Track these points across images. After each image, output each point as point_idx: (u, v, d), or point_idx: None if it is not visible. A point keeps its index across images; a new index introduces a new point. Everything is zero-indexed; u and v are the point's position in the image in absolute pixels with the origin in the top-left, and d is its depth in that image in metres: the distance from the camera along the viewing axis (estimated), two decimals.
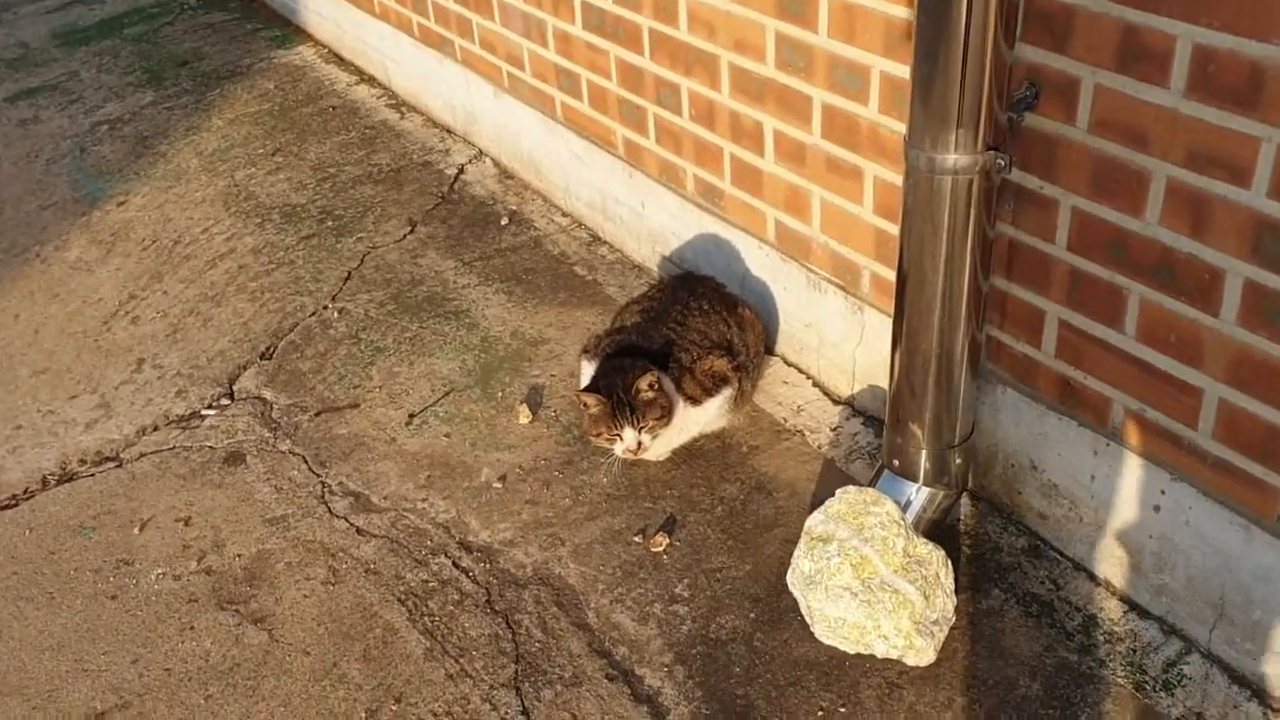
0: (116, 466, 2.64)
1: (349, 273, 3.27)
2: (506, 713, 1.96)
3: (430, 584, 2.22)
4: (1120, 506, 1.98)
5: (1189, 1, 1.56)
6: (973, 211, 1.82)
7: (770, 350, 2.73)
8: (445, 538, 2.33)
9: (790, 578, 2.05)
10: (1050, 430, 2.06)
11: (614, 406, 2.23)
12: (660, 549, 2.24)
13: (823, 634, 2.00)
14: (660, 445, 2.35)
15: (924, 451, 2.06)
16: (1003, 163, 1.76)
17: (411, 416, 2.67)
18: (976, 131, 1.74)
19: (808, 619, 2.02)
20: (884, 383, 2.26)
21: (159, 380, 2.91)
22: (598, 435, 2.30)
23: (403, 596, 2.20)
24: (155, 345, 3.06)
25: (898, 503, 2.06)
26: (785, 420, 2.53)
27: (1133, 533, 1.97)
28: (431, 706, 1.98)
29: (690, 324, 2.41)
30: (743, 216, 2.71)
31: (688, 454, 2.45)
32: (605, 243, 3.27)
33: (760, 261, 2.69)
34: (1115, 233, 1.81)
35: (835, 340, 2.52)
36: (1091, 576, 2.08)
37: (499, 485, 2.44)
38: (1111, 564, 2.04)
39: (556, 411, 2.63)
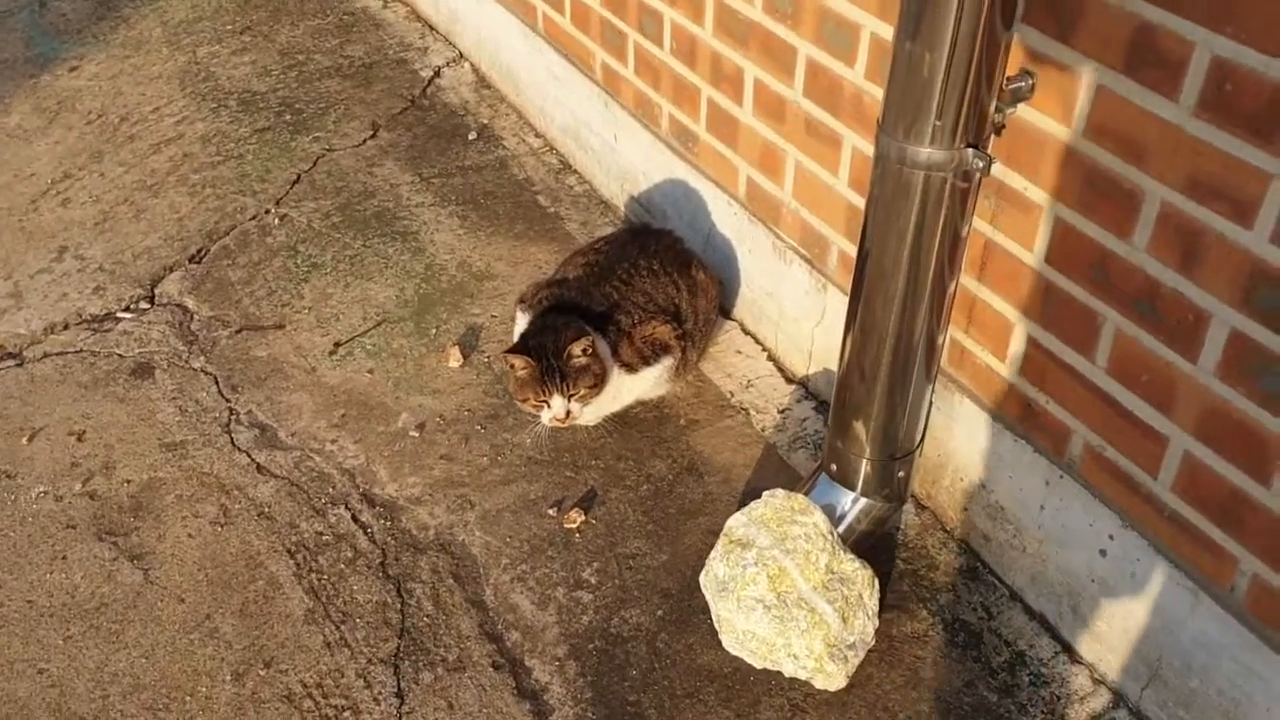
0: (17, 365, 2.47)
1: (299, 175, 3.06)
2: (380, 692, 1.82)
3: (324, 537, 2.07)
4: (1066, 542, 1.82)
5: (1216, 6, 1.34)
6: (944, 213, 1.62)
7: (728, 314, 2.54)
8: (349, 486, 2.17)
9: (703, 579, 1.89)
10: (1005, 451, 1.89)
11: (543, 371, 2.06)
12: (574, 526, 2.08)
13: (730, 644, 1.85)
14: (591, 412, 2.17)
15: (865, 460, 1.89)
16: (981, 164, 1.55)
17: (337, 345, 2.49)
18: (957, 124, 1.53)
19: (716, 626, 1.87)
20: None
21: (78, 273, 2.73)
22: (524, 400, 2.12)
23: (293, 548, 2.05)
24: (81, 233, 2.86)
25: (830, 512, 1.90)
26: (732, 395, 2.35)
27: (1075, 572, 1.82)
28: (302, 676, 1.84)
29: (636, 284, 2.22)
30: (715, 167, 2.49)
31: (620, 421, 2.28)
32: (575, 172, 3.05)
33: (728, 218, 2.49)
34: (1098, 252, 1.61)
35: (796, 315, 2.34)
36: (1027, 609, 1.93)
37: (415, 434, 2.27)
38: (1049, 600, 1.89)
39: (490, 358, 2.45)
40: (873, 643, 1.84)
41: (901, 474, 1.92)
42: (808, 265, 2.26)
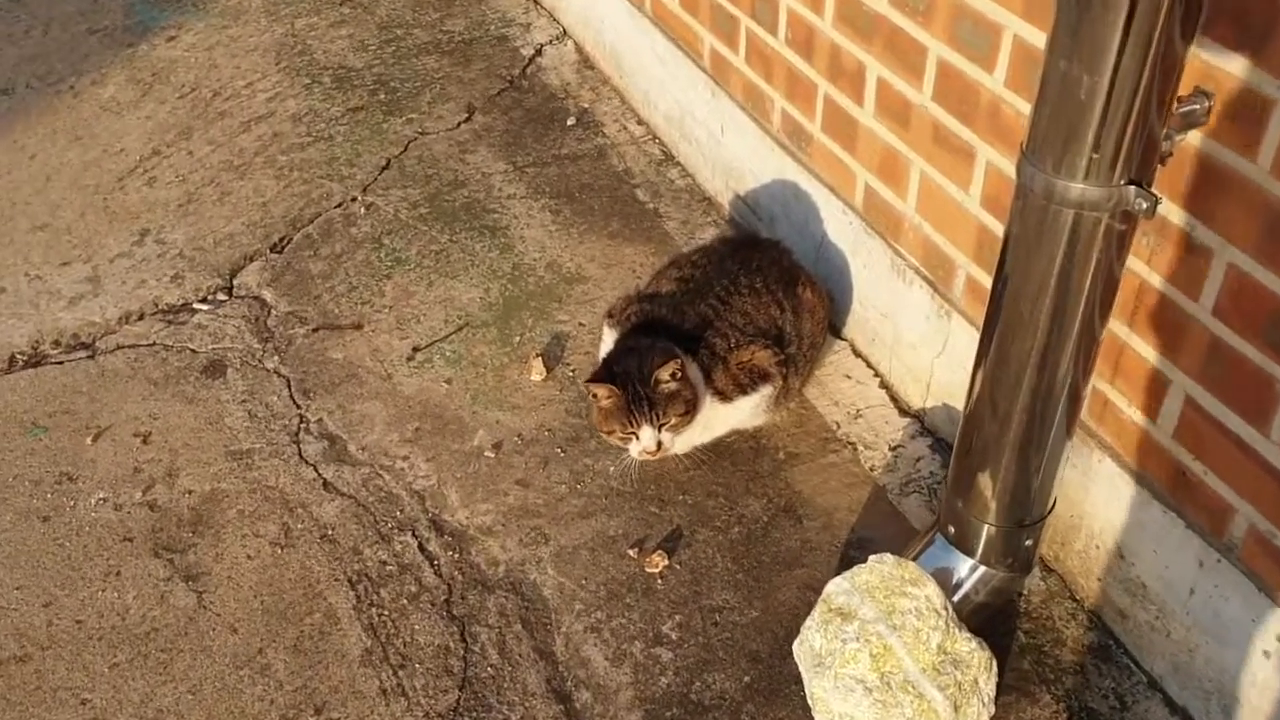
0: (88, 357, 2.37)
1: (389, 160, 2.91)
2: None
3: (389, 568, 1.92)
4: (1221, 635, 1.57)
5: None
6: (1096, 256, 1.38)
7: (838, 333, 2.32)
8: (418, 510, 2.02)
9: (797, 648, 1.70)
10: (1150, 521, 1.64)
11: (629, 400, 1.87)
12: (656, 570, 1.90)
13: None
14: (681, 442, 1.98)
15: (989, 525, 1.66)
16: (1145, 204, 1.30)
17: (415, 351, 2.34)
18: (1118, 157, 1.29)
19: (810, 703, 1.67)
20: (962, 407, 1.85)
21: (158, 259, 2.62)
22: (609, 433, 1.94)
23: (355, 578, 1.91)
24: (164, 215, 2.76)
25: (945, 580, 1.68)
26: (838, 426, 2.14)
27: (1230, 671, 1.57)
28: None
29: (735, 303, 2.01)
30: (830, 170, 2.26)
31: (712, 451, 2.08)
32: (678, 164, 2.84)
33: (842, 227, 2.26)
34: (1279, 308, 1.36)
35: (913, 341, 2.10)
36: (1168, 702, 1.68)
37: (491, 454, 2.10)
38: (1195, 695, 1.64)
39: (575, 371, 2.27)
40: None
41: (1029, 542, 1.69)
42: (929, 288, 2.03)
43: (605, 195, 2.75)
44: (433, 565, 1.93)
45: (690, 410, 1.92)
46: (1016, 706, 1.69)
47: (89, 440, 2.18)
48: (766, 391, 2.01)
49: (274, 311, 2.46)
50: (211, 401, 2.25)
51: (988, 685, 1.62)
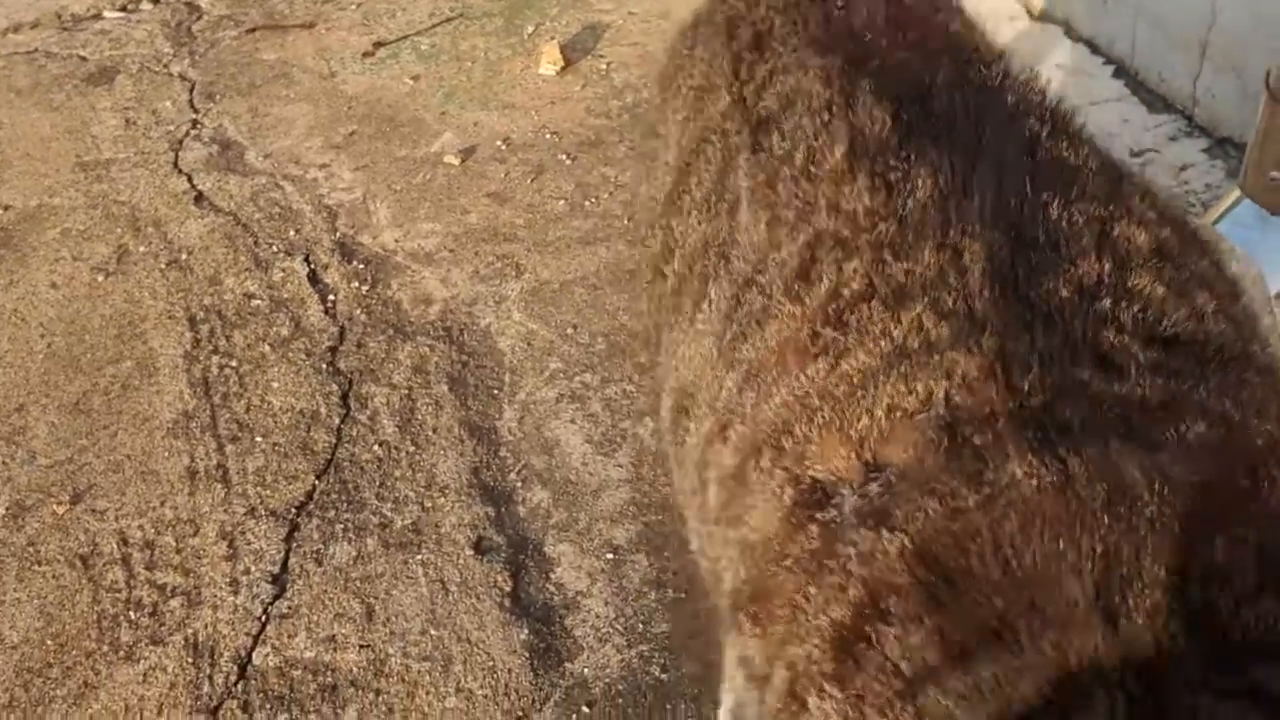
0: None
1: None
2: (247, 571, 0.90)
3: (256, 302, 1.17)
4: None
5: None
6: None
7: None
8: (322, 230, 1.26)
9: None
10: None
11: None
12: None
13: None
14: None
15: None
16: None
17: (378, 46, 1.59)
18: None
19: None
20: None
21: None
22: None
23: (200, 315, 1.17)
24: None
25: None
26: None
27: None
28: (126, 525, 0.95)
29: None
30: None
31: None
32: None
33: None
34: None
35: None
36: None
37: (454, 161, 1.33)
38: None
39: (611, 65, 1.47)
40: None
41: None
42: None
43: None
44: (324, 302, 1.16)
45: None
46: None
47: None
48: None
49: (205, 16, 1.75)
50: (81, 109, 1.55)
51: None
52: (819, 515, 0.52)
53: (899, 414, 0.52)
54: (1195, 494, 0.46)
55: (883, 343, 0.55)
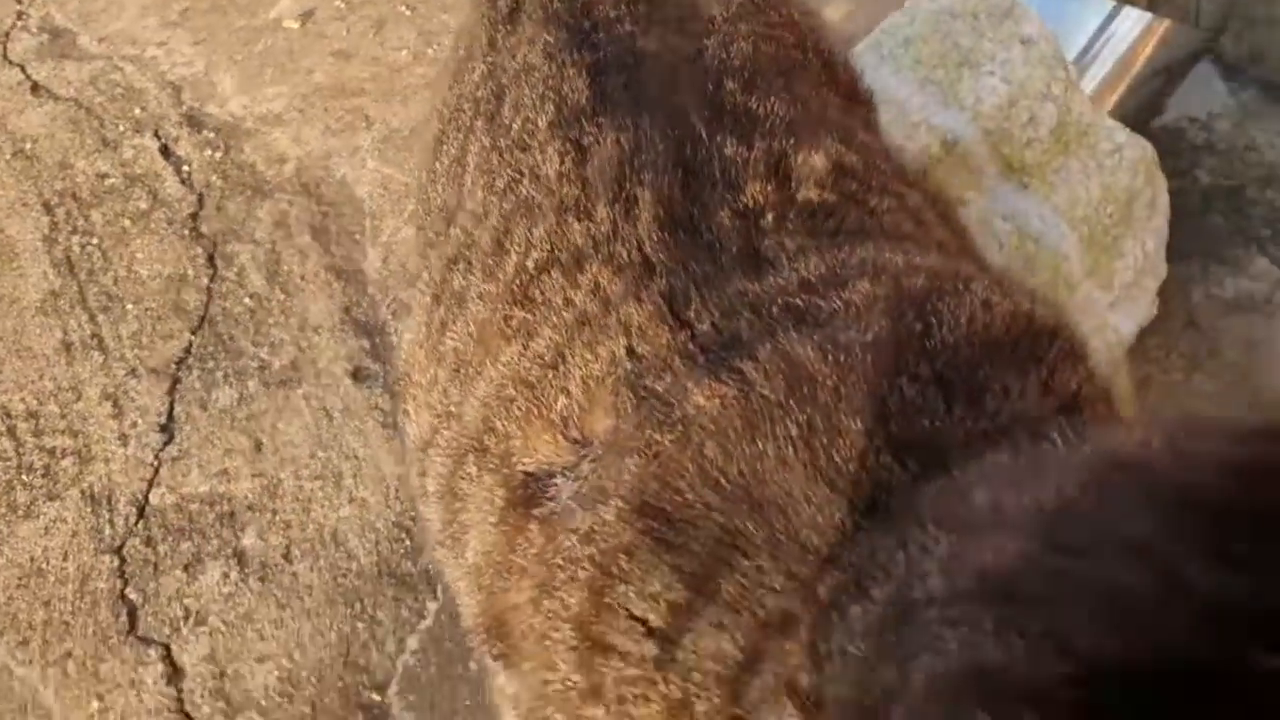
0: None
1: None
2: (135, 427, 0.92)
3: (110, 181, 1.17)
4: None
5: None
6: None
7: None
8: (168, 106, 1.26)
9: None
10: None
11: None
12: None
13: None
14: None
15: None
16: None
17: None
18: None
19: None
20: None
21: None
22: None
23: (55, 200, 1.17)
24: None
25: None
26: None
27: None
28: (8, 399, 0.96)
29: None
30: None
31: None
32: None
33: None
34: None
35: None
36: None
37: (295, 25, 1.33)
38: None
39: None
40: None
41: None
42: None
43: None
44: (179, 173, 1.17)
45: None
46: None
47: None
48: None
49: None
50: None
51: None
52: (536, 512, 0.50)
53: (592, 383, 0.51)
54: (870, 351, 0.47)
55: (565, 314, 0.54)
